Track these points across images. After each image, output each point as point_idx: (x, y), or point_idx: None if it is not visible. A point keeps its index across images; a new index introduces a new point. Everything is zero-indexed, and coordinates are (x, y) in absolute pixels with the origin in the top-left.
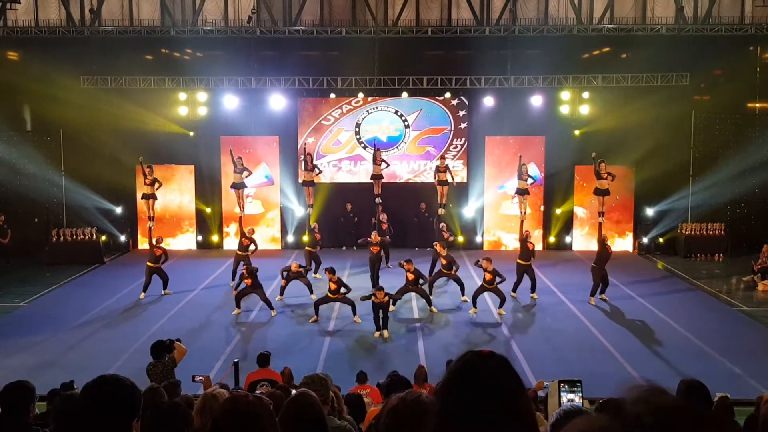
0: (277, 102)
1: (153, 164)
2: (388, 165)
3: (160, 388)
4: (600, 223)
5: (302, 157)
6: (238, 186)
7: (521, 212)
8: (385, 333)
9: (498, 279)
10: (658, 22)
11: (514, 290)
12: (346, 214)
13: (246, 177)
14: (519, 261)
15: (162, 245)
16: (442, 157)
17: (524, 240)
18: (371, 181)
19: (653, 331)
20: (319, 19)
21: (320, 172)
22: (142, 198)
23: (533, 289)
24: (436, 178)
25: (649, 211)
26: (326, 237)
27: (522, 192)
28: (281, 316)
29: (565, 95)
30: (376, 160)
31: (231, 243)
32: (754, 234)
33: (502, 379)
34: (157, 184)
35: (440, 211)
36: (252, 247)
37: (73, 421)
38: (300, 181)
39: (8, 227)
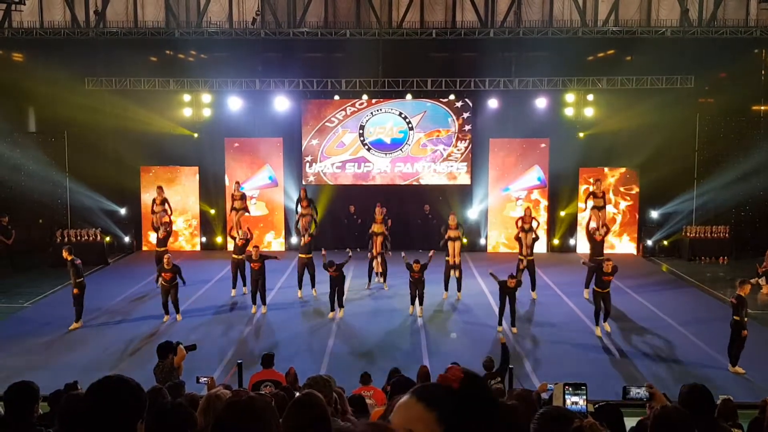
0: (281, 104)
1: (157, 165)
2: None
3: (163, 389)
4: (589, 219)
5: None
6: (238, 209)
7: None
8: (419, 310)
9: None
10: (663, 24)
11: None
12: (349, 215)
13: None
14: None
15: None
16: (453, 213)
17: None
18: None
19: (657, 334)
20: (324, 20)
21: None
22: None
23: (533, 287)
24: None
25: (654, 214)
26: (330, 238)
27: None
28: (285, 317)
29: (570, 97)
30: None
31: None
32: (758, 237)
33: None
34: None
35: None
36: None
37: (78, 422)
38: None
39: (12, 228)
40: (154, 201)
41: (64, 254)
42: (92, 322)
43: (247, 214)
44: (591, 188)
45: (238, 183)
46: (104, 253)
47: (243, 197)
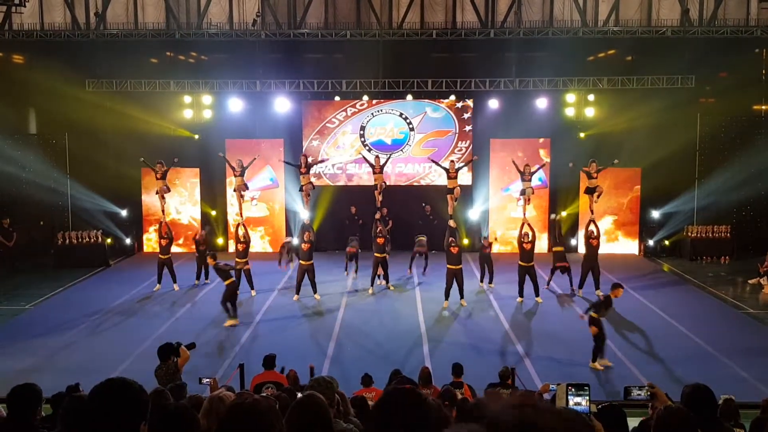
0: (282, 105)
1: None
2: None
3: (165, 391)
4: (590, 220)
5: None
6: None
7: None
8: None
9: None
10: (664, 24)
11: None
12: (350, 216)
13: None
14: (520, 263)
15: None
16: (452, 162)
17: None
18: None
19: (659, 333)
20: (324, 21)
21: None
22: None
23: (537, 293)
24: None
25: (655, 214)
26: (331, 239)
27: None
28: (286, 318)
29: (571, 98)
30: (375, 168)
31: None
32: (760, 236)
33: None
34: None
35: (451, 222)
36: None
37: (81, 424)
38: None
39: (13, 230)
40: (155, 172)
41: (209, 260)
42: (94, 323)
43: (245, 191)
44: (587, 169)
45: (240, 160)
46: (105, 255)
47: (243, 173)
